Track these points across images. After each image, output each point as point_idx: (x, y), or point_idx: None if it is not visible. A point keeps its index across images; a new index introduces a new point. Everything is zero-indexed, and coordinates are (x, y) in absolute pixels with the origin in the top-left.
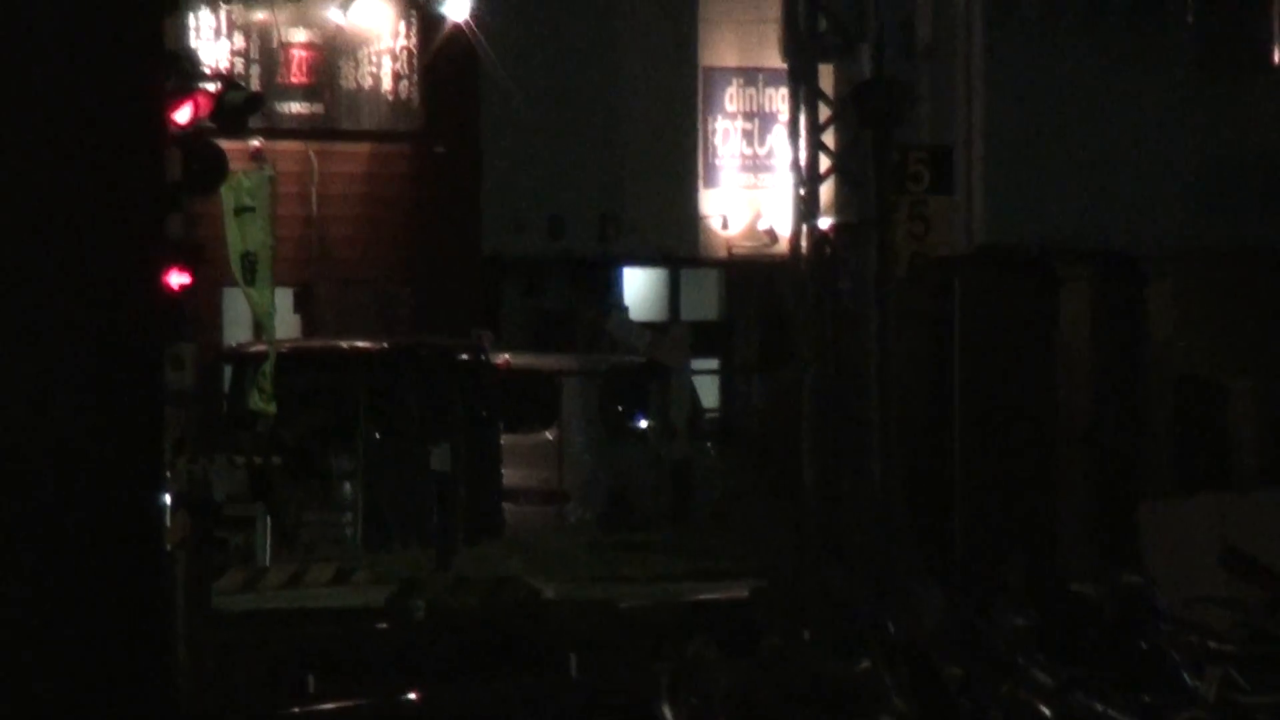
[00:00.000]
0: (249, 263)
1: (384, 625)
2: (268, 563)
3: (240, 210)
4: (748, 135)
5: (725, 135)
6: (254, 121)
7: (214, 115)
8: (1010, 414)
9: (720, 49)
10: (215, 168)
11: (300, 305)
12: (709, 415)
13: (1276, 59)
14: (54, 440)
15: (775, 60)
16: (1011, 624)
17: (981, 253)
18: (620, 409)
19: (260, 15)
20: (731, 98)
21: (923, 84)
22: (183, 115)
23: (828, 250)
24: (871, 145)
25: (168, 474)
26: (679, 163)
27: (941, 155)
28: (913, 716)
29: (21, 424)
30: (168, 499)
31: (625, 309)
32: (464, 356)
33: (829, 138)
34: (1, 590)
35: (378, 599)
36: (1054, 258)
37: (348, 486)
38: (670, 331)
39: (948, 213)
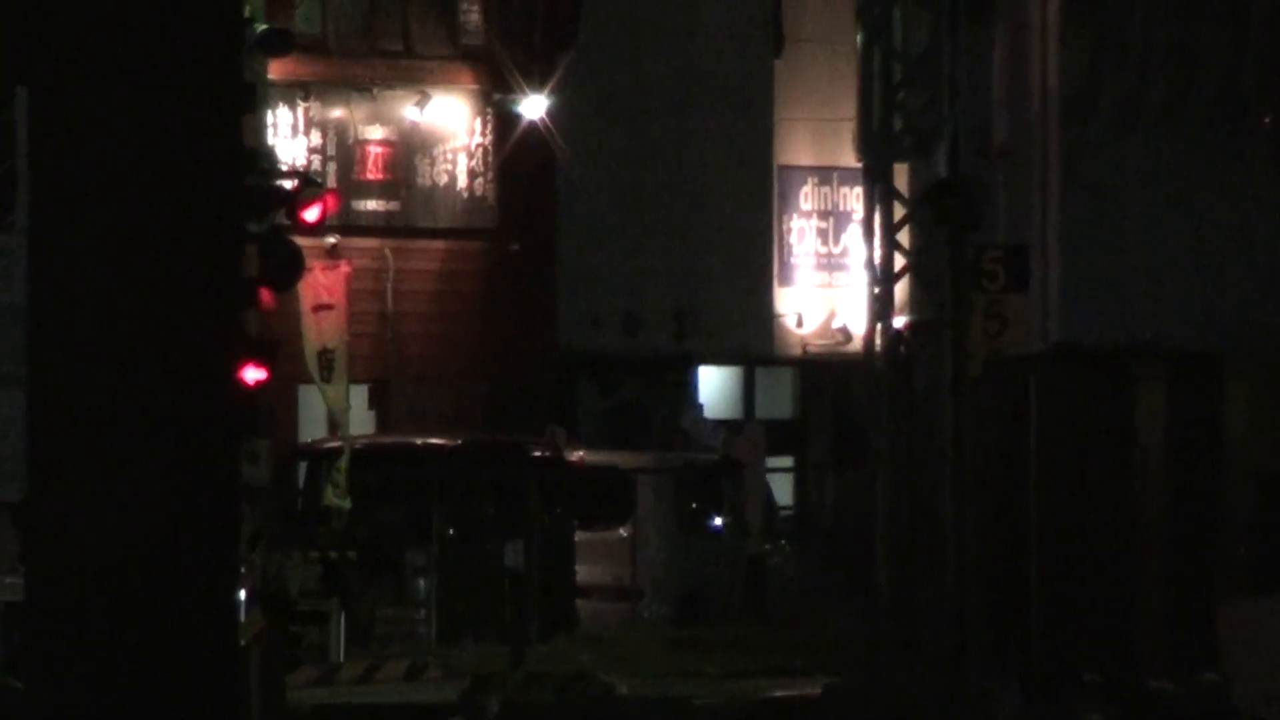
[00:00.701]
0: (325, 359)
1: None
2: (341, 658)
3: (318, 307)
4: (823, 234)
5: (800, 234)
6: (330, 219)
7: (290, 213)
8: (1086, 512)
9: (796, 147)
10: (292, 264)
11: (375, 401)
12: (783, 513)
13: None
14: (132, 533)
15: (850, 159)
16: None
17: (1057, 351)
18: (694, 506)
19: (337, 112)
20: (806, 196)
21: (998, 183)
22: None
23: (902, 349)
24: (947, 244)
25: (242, 569)
26: (754, 261)
27: (1017, 254)
28: None
29: (100, 518)
30: (242, 594)
31: (700, 407)
32: (538, 453)
33: (904, 236)
34: (84, 681)
35: (451, 695)
36: (1130, 356)
37: (421, 582)
38: (744, 430)
39: (1023, 311)
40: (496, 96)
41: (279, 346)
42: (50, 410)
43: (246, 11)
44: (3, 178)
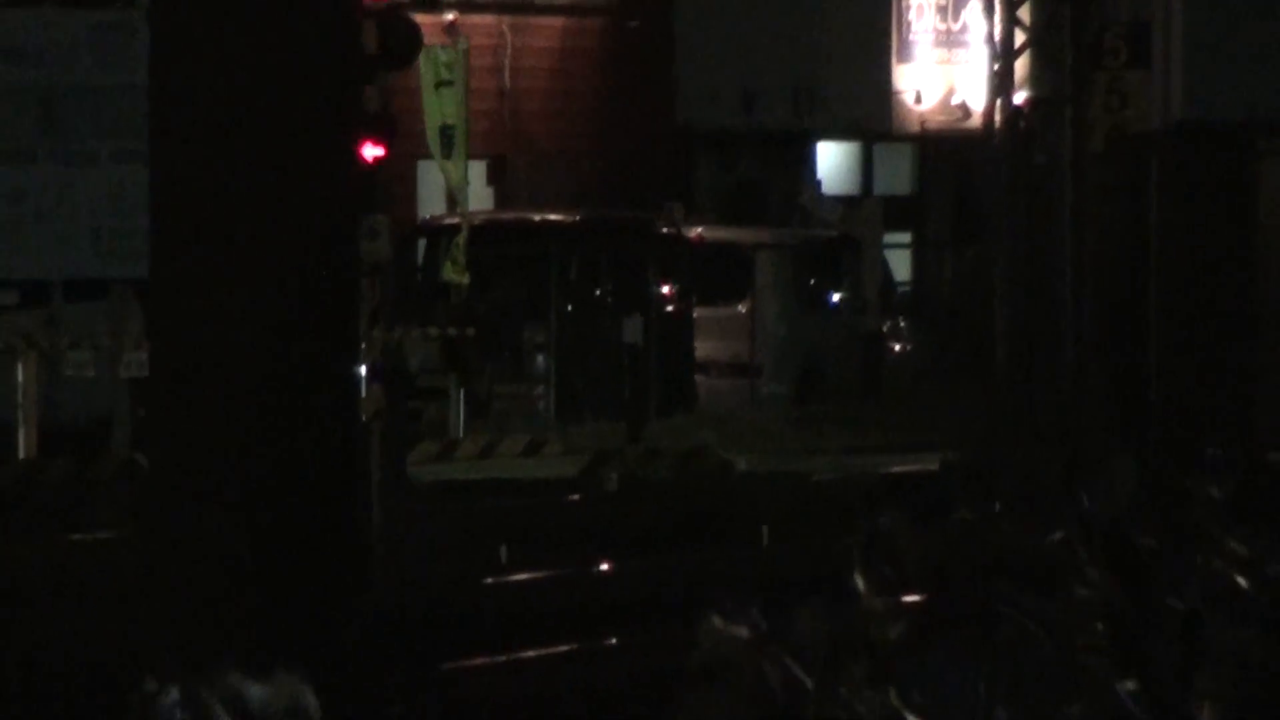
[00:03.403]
0: (446, 135)
1: (576, 497)
2: (461, 434)
3: (439, 84)
4: (942, 10)
5: (920, 10)
6: None
7: None
8: (1207, 288)
9: None
10: (410, 42)
11: (494, 178)
12: (901, 290)
13: None
14: (251, 312)
15: None
16: (1207, 495)
17: (1179, 127)
18: (812, 283)
19: None
20: None
21: None
22: None
23: (1022, 125)
24: (1068, 20)
25: (363, 346)
26: (873, 37)
27: (1139, 30)
28: (1106, 588)
29: (220, 296)
30: (363, 371)
31: (818, 183)
32: (656, 229)
33: (1024, 12)
34: (204, 454)
35: (570, 471)
36: (1253, 131)
37: (540, 359)
38: (863, 206)
39: (1144, 87)
40: None
41: (398, 123)
42: (172, 187)
43: None
44: None
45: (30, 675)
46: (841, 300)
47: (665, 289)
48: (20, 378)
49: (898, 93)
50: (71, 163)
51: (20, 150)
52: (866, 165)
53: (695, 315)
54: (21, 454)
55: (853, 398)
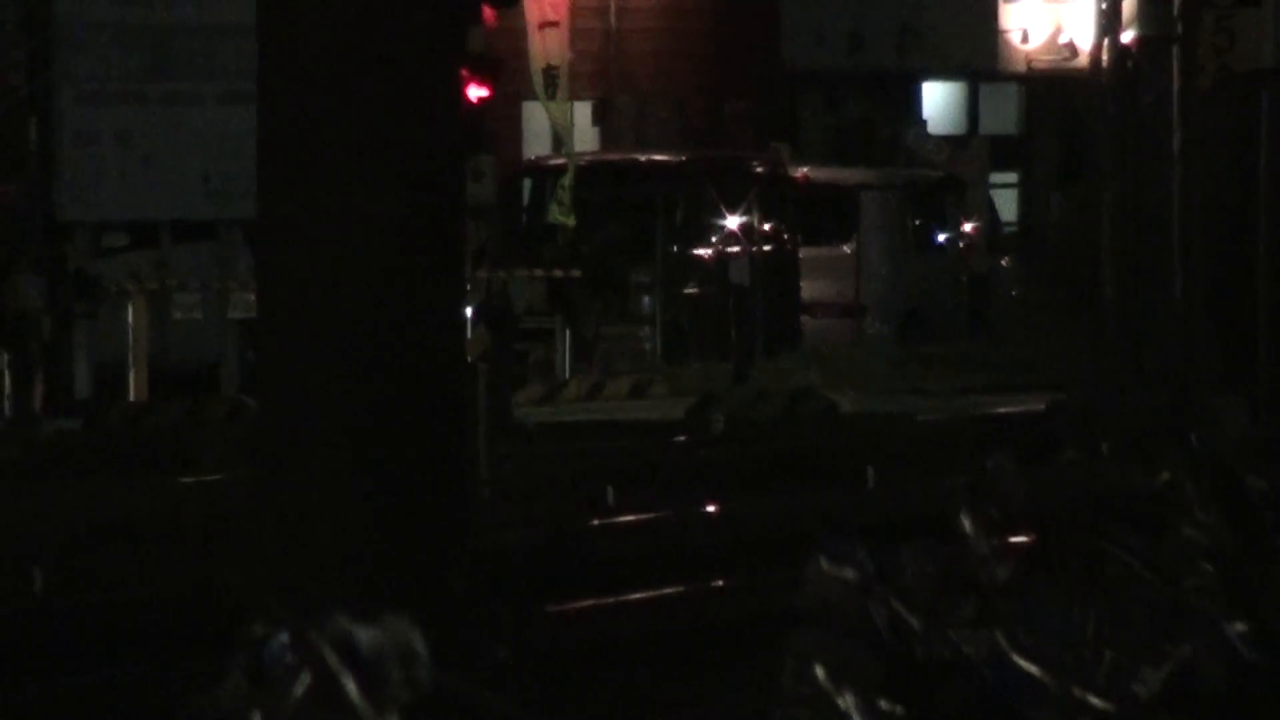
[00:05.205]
0: (550, 76)
1: (682, 438)
2: (567, 375)
3: (543, 24)
4: None
5: None
6: None
7: None
8: None
9: None
10: None
11: (599, 119)
12: (1007, 229)
13: None
14: (357, 254)
15: None
16: None
17: None
18: (918, 223)
19: None
20: None
21: None
22: None
23: (1129, 64)
24: None
25: (468, 287)
26: None
27: None
28: (1215, 528)
29: (327, 240)
30: (468, 311)
31: (924, 123)
32: (762, 169)
33: None
34: (311, 402)
35: (676, 412)
36: None
37: (646, 300)
38: (969, 145)
39: (1254, 26)
40: None
41: (502, 64)
42: (278, 129)
43: None
44: None
45: (139, 619)
46: (947, 240)
47: (770, 229)
48: (130, 319)
49: (1004, 32)
50: (179, 104)
51: (129, 92)
52: (972, 105)
53: (800, 255)
54: (132, 395)
55: (958, 338)
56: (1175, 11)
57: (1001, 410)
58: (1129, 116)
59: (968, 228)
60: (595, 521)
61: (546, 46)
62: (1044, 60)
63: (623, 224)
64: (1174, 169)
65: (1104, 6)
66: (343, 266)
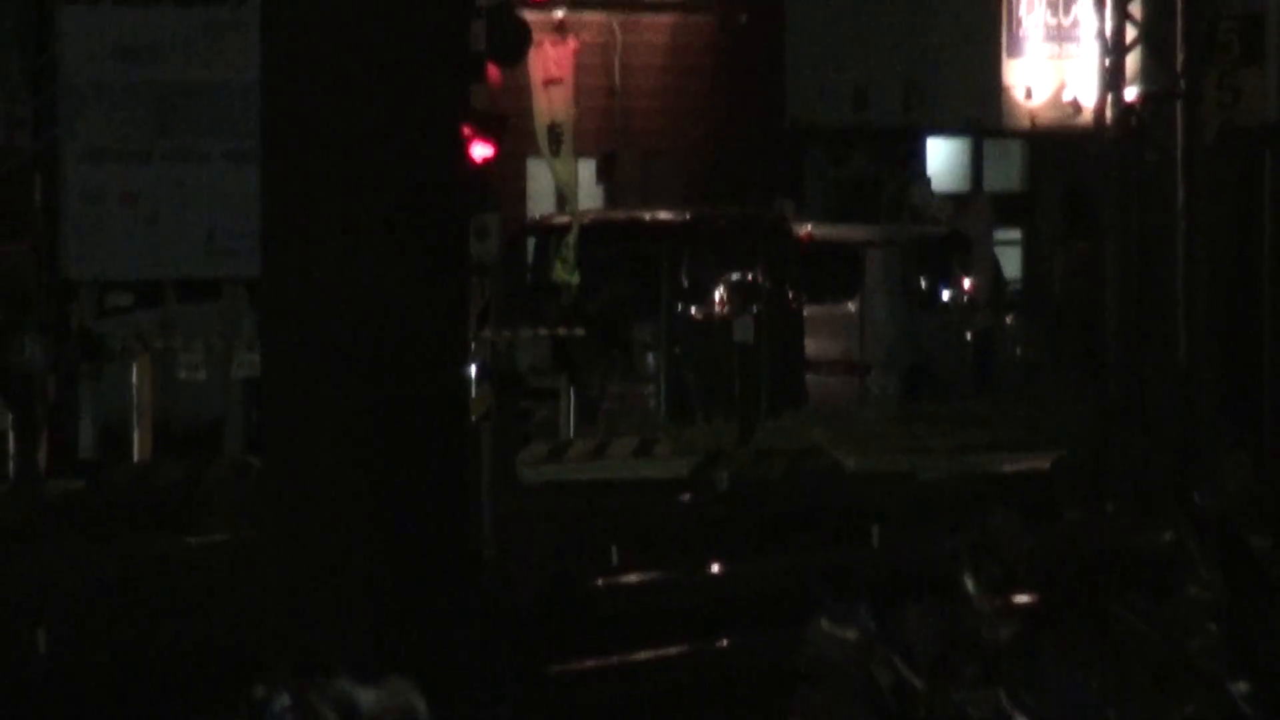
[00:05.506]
0: (555, 133)
1: (687, 497)
2: (571, 434)
3: (547, 82)
4: (1052, 5)
5: (1030, 4)
6: None
7: None
8: None
9: None
10: (519, 38)
11: (603, 176)
12: (1011, 286)
13: None
14: (361, 309)
15: None
16: None
17: None
18: (922, 280)
19: None
20: None
21: None
22: None
23: (1133, 121)
24: (1180, 14)
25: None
26: (983, 32)
27: (1253, 24)
28: (1219, 586)
29: (331, 298)
30: (472, 370)
31: (928, 179)
32: (767, 227)
33: (1135, 7)
34: (316, 461)
35: (681, 470)
36: None
37: (651, 358)
38: (973, 202)
39: (1258, 83)
40: None
41: (507, 121)
42: (282, 186)
43: None
44: None
45: (143, 678)
46: (951, 298)
47: (775, 287)
48: (135, 379)
49: (1008, 88)
50: (185, 161)
51: (135, 150)
52: (977, 161)
53: (805, 313)
54: (136, 455)
55: (963, 396)
56: (1179, 68)
57: (1005, 468)
58: (1133, 173)
59: (967, 284)
60: (599, 580)
61: (551, 103)
62: (1048, 117)
63: (627, 282)
64: (1178, 225)
65: (1108, 63)
66: (345, 326)
